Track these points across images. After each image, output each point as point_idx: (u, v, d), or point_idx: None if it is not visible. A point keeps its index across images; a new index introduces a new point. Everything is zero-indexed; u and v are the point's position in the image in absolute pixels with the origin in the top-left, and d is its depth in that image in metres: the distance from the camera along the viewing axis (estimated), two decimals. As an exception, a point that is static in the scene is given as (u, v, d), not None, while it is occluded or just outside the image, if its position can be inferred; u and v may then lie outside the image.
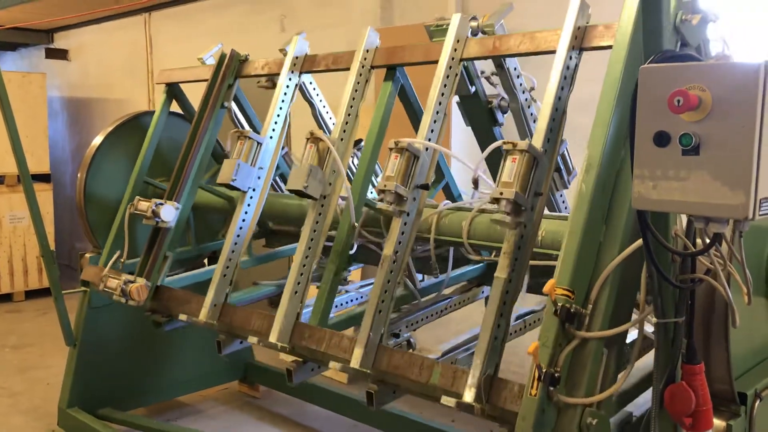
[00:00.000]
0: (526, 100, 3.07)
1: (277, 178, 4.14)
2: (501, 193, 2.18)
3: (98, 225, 4.16)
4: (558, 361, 1.95)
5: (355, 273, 4.19)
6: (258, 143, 3.26)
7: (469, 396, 2.14)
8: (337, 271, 2.90)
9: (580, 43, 2.40)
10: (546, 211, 2.73)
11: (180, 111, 4.36)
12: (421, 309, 3.31)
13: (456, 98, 3.12)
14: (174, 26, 7.98)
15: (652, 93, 1.53)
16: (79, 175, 4.20)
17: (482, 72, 3.11)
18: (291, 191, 2.91)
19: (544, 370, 1.91)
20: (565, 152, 3.09)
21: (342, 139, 3.02)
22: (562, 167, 3.09)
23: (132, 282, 3.47)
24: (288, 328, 2.85)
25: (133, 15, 8.33)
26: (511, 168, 2.20)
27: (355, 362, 2.51)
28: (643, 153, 1.55)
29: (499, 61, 2.97)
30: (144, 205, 3.54)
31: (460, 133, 4.02)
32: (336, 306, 3.23)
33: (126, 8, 8.07)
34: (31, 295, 7.97)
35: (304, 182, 2.85)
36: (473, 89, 3.08)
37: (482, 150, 2.81)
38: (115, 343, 4.31)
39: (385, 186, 2.55)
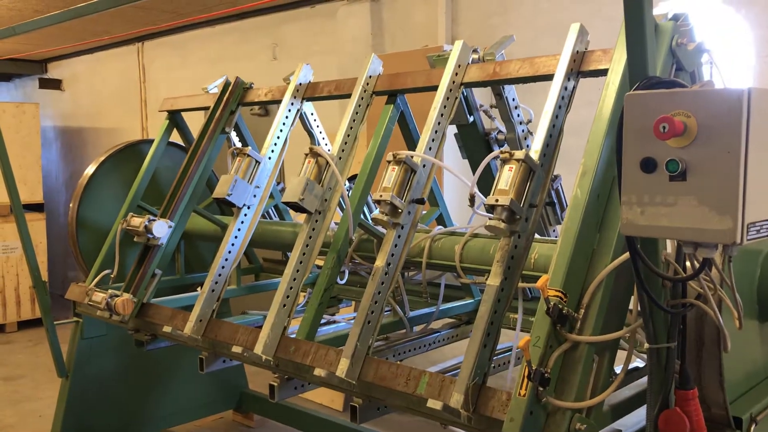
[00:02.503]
0: (523, 131, 3.10)
1: (271, 209, 4.14)
2: (497, 200, 2.19)
3: (91, 255, 4.14)
4: (548, 362, 1.93)
5: (344, 310, 4.16)
6: (256, 161, 3.27)
7: (455, 401, 2.10)
8: (327, 285, 2.86)
9: (578, 66, 2.46)
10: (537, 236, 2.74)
11: (176, 142, 4.37)
12: (409, 340, 3.29)
13: (454, 131, 3.15)
14: (167, 55, 8.03)
15: (638, 119, 1.54)
16: (71, 204, 4.19)
17: (481, 105, 3.15)
18: (286, 203, 2.90)
19: (534, 368, 1.89)
20: (559, 188, 3.12)
21: (341, 158, 3.03)
22: (555, 202, 3.12)
23: (118, 296, 3.41)
24: (274, 341, 2.79)
25: (126, 44, 8.40)
26: (507, 176, 2.23)
27: (340, 372, 2.46)
28: (630, 179, 1.56)
29: (498, 89, 3.01)
30: (136, 221, 3.52)
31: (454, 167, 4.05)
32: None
33: (119, 38, 8.13)
34: (23, 325, 7.92)
35: (300, 195, 2.85)
36: (471, 119, 3.11)
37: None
38: (107, 373, 4.27)
39: (381, 196, 2.57)
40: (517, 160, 2.24)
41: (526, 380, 1.91)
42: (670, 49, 2.15)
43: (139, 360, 4.42)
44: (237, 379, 4.99)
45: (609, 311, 2.01)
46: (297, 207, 2.88)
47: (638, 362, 2.59)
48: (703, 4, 4.01)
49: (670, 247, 1.93)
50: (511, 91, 3.06)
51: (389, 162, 2.63)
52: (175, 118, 4.16)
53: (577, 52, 2.46)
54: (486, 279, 2.32)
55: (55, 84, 9.70)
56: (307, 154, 2.97)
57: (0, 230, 7.77)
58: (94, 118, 9.25)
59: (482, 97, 3.28)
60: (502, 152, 2.28)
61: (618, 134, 1.58)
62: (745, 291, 2.15)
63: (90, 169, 4.24)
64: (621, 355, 2.12)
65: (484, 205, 2.26)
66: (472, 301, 3.51)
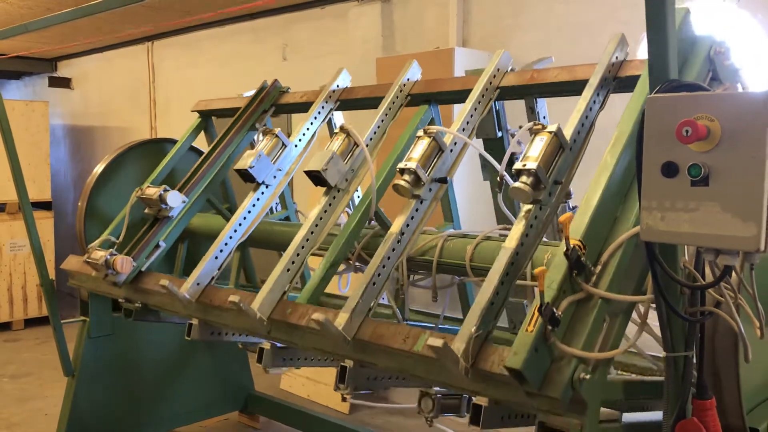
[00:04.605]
0: None
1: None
2: (524, 165, 2.21)
3: (98, 253, 4.13)
4: (560, 307, 1.89)
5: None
6: (283, 144, 3.27)
7: (456, 348, 2.04)
8: (335, 260, 2.81)
9: (616, 71, 2.49)
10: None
11: (197, 147, 4.36)
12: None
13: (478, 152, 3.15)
14: (176, 55, 8.03)
15: (660, 123, 1.51)
16: (79, 203, 4.18)
17: (509, 129, 3.15)
18: (308, 173, 2.88)
19: (546, 302, 1.85)
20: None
21: (367, 145, 3.03)
22: None
23: (117, 255, 3.35)
24: (272, 301, 2.72)
25: (135, 44, 8.39)
26: (538, 146, 2.24)
27: (338, 324, 2.39)
28: (650, 184, 1.53)
29: (531, 102, 3.00)
30: (151, 190, 3.50)
31: (465, 189, 4.04)
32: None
33: (129, 37, 8.13)
34: (30, 323, 7.91)
35: (324, 164, 2.83)
36: (500, 134, 3.10)
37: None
38: (113, 373, 4.25)
39: (406, 165, 2.56)
40: (549, 132, 2.25)
41: (536, 315, 1.87)
42: (708, 57, 2.16)
43: (145, 360, 4.41)
44: (243, 380, 4.97)
45: (625, 278, 1.97)
46: (318, 178, 2.86)
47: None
48: (718, 8, 3.97)
49: (687, 252, 1.90)
50: (543, 108, 3.04)
51: (419, 137, 2.63)
52: (205, 121, 4.16)
53: (617, 57, 2.49)
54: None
55: (65, 82, 9.71)
56: (337, 132, 2.97)
57: (8, 228, 7.78)
58: (104, 116, 9.25)
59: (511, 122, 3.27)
60: (535, 124, 2.30)
61: (638, 138, 1.56)
62: (763, 298, 2.11)
63: (99, 168, 4.23)
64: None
65: (513, 170, 2.26)
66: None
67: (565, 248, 1.91)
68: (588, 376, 1.83)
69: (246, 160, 3.17)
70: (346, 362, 2.49)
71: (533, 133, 2.29)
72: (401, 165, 2.58)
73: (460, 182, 3.52)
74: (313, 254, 3.01)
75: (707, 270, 1.82)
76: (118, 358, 4.26)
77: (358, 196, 3.49)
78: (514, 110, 3.09)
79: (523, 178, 2.20)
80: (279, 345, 2.94)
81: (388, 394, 5.27)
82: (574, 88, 2.59)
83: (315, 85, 3.67)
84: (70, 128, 9.88)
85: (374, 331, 2.40)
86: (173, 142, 4.38)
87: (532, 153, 2.23)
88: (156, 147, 4.36)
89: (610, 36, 2.52)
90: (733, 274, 1.81)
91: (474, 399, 2.12)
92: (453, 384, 2.18)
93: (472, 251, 2.84)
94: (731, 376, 1.95)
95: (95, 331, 4.06)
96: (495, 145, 3.16)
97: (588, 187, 2.10)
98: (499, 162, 2.65)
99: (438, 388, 2.46)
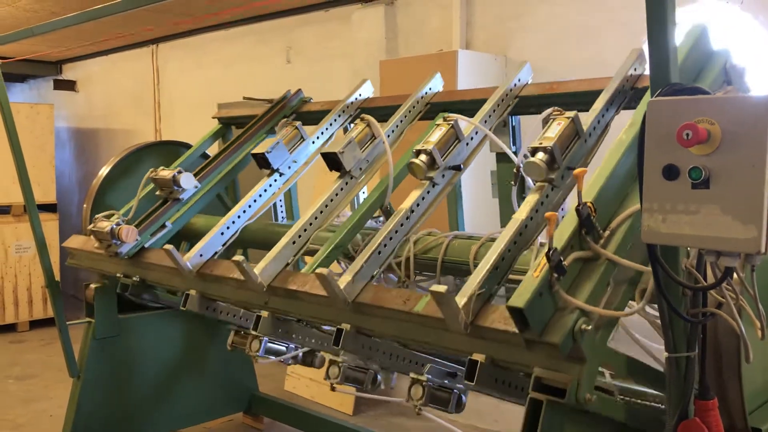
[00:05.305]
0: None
1: None
2: (540, 143, 2.27)
3: (103, 255, 4.14)
4: (567, 259, 1.90)
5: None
6: (302, 137, 3.36)
7: (459, 301, 2.04)
8: (341, 242, 2.80)
9: (633, 82, 2.54)
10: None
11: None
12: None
13: (491, 168, 3.19)
14: (181, 57, 8.05)
15: (661, 126, 1.52)
16: (84, 205, 4.20)
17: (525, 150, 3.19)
18: (325, 155, 2.94)
19: (555, 247, 1.85)
20: None
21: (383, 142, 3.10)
22: None
23: (122, 224, 3.37)
24: (275, 270, 2.72)
25: (140, 46, 8.42)
26: (555, 129, 2.30)
27: (341, 283, 2.39)
28: (652, 186, 1.54)
29: (546, 117, 3.03)
30: (165, 171, 3.54)
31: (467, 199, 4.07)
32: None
33: (133, 39, 8.16)
34: (35, 325, 7.94)
35: (341, 147, 2.90)
36: (513, 149, 3.13)
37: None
38: (118, 374, 4.27)
39: (423, 146, 2.62)
40: (567, 118, 2.31)
41: (542, 262, 1.88)
42: (724, 69, 2.21)
43: (150, 361, 4.43)
44: (247, 381, 4.99)
45: (632, 249, 1.99)
46: (334, 161, 2.92)
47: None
48: (721, 10, 3.98)
49: (690, 254, 1.91)
50: None
51: (438, 124, 2.67)
52: (225, 128, 4.20)
53: (635, 70, 2.55)
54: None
55: (70, 85, 9.74)
56: (356, 122, 3.05)
57: (14, 230, 7.81)
58: (108, 119, 9.28)
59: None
60: (554, 110, 2.36)
61: (639, 141, 1.57)
62: (765, 299, 2.13)
63: (104, 171, 4.25)
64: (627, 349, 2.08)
65: (528, 149, 2.30)
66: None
67: (577, 203, 1.93)
68: (589, 328, 1.84)
69: (265, 145, 3.27)
70: (344, 326, 2.47)
71: (551, 118, 2.34)
72: (418, 147, 2.62)
73: (464, 195, 3.55)
74: (308, 254, 3.03)
75: (709, 271, 1.84)
76: (123, 360, 4.28)
77: (364, 194, 3.52)
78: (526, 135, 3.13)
79: (539, 155, 2.25)
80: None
81: (389, 392, 5.28)
82: (592, 99, 2.60)
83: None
84: (75, 131, 9.92)
85: (375, 294, 2.40)
86: (178, 144, 4.41)
87: (549, 134, 2.29)
88: (161, 149, 4.39)
89: (629, 50, 2.58)
90: (735, 275, 1.82)
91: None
92: (452, 346, 2.17)
93: (476, 250, 2.86)
94: (733, 377, 1.97)
95: (100, 332, 4.07)
96: (508, 159, 3.19)
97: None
98: (514, 174, 2.68)
99: (429, 376, 2.44)
